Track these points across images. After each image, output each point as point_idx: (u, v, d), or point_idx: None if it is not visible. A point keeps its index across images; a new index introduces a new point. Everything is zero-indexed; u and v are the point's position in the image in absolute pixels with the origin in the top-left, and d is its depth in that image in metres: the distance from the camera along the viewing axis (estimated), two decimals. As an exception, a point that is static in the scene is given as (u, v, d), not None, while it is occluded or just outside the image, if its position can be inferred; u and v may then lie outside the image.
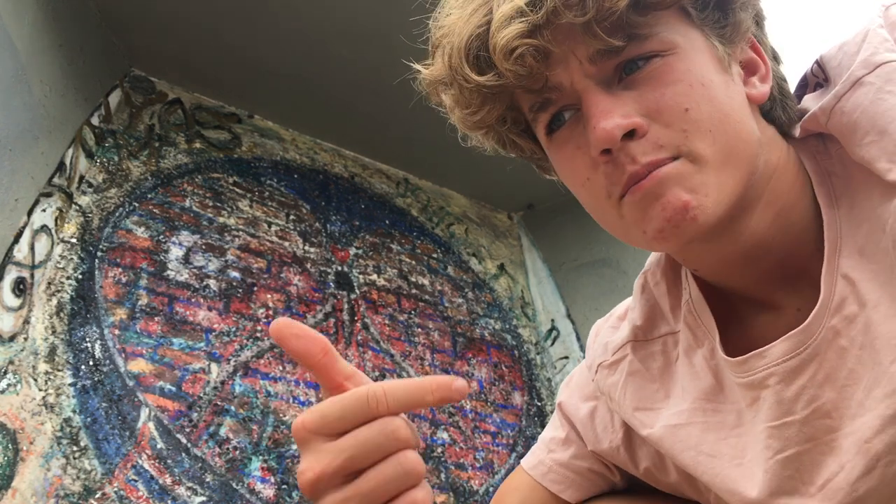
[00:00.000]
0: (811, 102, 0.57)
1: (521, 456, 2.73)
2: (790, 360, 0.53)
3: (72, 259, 1.93)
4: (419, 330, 2.58)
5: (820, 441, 0.53)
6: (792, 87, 0.61)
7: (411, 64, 0.63)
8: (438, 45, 0.58)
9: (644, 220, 0.52)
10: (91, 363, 1.79)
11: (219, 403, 1.93)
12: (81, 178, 2.08)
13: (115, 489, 1.65)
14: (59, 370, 1.74)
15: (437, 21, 0.59)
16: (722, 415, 0.60)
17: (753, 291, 0.60)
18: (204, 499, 1.75)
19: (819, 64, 0.57)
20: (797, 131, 0.57)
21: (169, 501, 1.69)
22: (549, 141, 0.58)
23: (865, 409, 0.50)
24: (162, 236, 2.14)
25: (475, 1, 0.54)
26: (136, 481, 1.68)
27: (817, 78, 0.58)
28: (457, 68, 0.54)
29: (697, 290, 0.63)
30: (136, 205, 2.16)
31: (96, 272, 1.95)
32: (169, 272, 2.09)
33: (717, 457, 0.60)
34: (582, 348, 2.82)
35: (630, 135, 0.51)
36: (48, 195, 1.91)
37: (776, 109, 0.58)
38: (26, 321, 1.74)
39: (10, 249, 1.74)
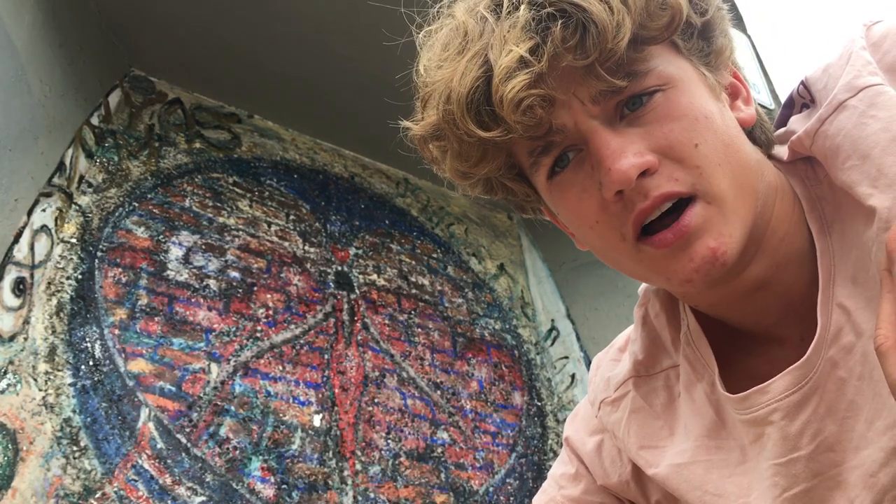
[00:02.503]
0: (797, 124, 0.56)
1: (522, 456, 2.73)
2: (793, 395, 0.52)
3: (72, 259, 1.93)
4: (419, 330, 2.58)
5: (826, 476, 0.52)
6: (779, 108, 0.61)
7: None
8: (429, 98, 0.56)
9: (668, 270, 0.52)
10: (91, 363, 1.79)
11: (219, 403, 1.93)
12: (81, 178, 2.08)
13: (115, 489, 1.65)
14: (59, 370, 1.74)
15: (424, 74, 0.57)
16: (725, 452, 0.59)
17: (753, 324, 0.59)
18: (204, 499, 1.75)
19: (805, 85, 0.57)
20: (784, 154, 0.57)
21: (169, 501, 1.69)
22: (549, 184, 0.56)
23: (868, 441, 0.49)
24: (162, 236, 2.14)
25: (466, 53, 0.52)
26: (136, 481, 1.68)
27: (803, 99, 0.57)
28: (458, 124, 0.52)
29: (695, 323, 0.61)
30: (136, 205, 2.16)
31: (96, 272, 1.95)
32: (169, 272, 2.09)
33: (722, 496, 0.58)
34: (582, 348, 2.82)
35: (643, 173, 0.50)
36: (48, 195, 1.91)
37: (756, 131, 0.58)
38: (26, 321, 1.74)
39: (10, 249, 1.74)
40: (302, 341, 2.22)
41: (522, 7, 0.49)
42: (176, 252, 2.14)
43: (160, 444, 1.77)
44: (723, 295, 0.56)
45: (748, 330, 0.60)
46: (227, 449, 1.87)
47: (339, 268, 2.53)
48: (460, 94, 0.51)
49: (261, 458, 1.91)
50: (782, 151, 0.58)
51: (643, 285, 0.70)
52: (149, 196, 2.21)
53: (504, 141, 0.52)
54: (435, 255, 2.91)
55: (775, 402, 0.53)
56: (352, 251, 2.62)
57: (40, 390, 1.68)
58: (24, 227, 1.80)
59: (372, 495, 2.04)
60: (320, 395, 2.14)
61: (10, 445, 1.56)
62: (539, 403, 2.75)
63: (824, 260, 0.52)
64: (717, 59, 0.56)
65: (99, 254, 1.99)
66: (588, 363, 2.76)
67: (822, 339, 0.51)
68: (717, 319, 0.61)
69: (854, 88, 0.50)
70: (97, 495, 1.62)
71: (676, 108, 0.51)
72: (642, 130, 0.51)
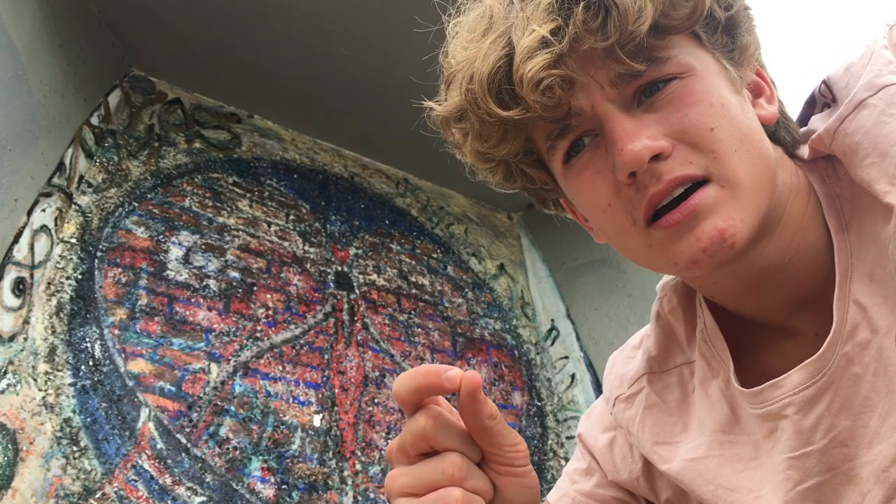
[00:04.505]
0: (818, 123, 0.57)
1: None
2: (807, 389, 0.52)
3: (71, 259, 1.93)
4: (419, 330, 2.58)
5: (839, 470, 0.52)
6: (799, 107, 0.61)
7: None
8: (453, 79, 0.57)
9: (675, 251, 0.52)
10: (91, 363, 1.79)
11: (219, 403, 1.93)
12: (81, 178, 2.08)
13: (115, 489, 1.65)
14: (58, 370, 1.74)
15: (449, 56, 0.58)
16: (738, 447, 0.59)
17: (769, 317, 0.59)
18: (204, 499, 1.75)
19: (826, 84, 0.57)
20: (806, 153, 0.57)
21: (169, 501, 1.69)
22: (565, 168, 0.57)
23: (881, 437, 0.50)
24: (162, 236, 2.14)
25: (491, 34, 0.53)
26: (136, 481, 1.68)
27: (825, 98, 0.57)
28: (479, 103, 0.53)
29: (711, 319, 0.62)
30: (136, 205, 2.16)
31: (96, 272, 1.95)
32: (169, 272, 2.09)
33: (735, 490, 0.59)
34: (582, 348, 2.82)
35: (656, 157, 0.51)
36: (48, 195, 1.91)
37: (780, 131, 0.58)
38: (26, 321, 1.74)
39: (10, 249, 1.74)
40: (302, 341, 2.22)
41: None
42: (176, 252, 2.14)
43: (160, 444, 1.77)
44: (736, 283, 0.56)
45: (763, 324, 0.60)
46: (227, 449, 1.87)
47: (339, 268, 2.53)
48: (482, 73, 0.52)
49: (261, 458, 1.91)
50: (803, 150, 0.58)
51: (661, 281, 0.71)
52: (149, 196, 2.21)
53: (523, 121, 0.53)
54: (435, 255, 2.91)
55: (789, 397, 0.53)
56: (352, 251, 2.62)
57: (40, 390, 1.68)
58: (23, 227, 1.80)
59: (372, 495, 2.04)
60: (320, 395, 2.14)
61: (10, 445, 1.56)
62: (539, 403, 2.74)
63: (841, 256, 0.53)
64: (741, 56, 0.56)
65: (99, 254, 1.99)
66: (588, 363, 2.76)
67: (837, 335, 0.51)
68: (733, 314, 0.61)
69: (874, 87, 0.50)
70: (97, 495, 1.62)
71: (692, 94, 0.52)
72: (658, 116, 0.52)
